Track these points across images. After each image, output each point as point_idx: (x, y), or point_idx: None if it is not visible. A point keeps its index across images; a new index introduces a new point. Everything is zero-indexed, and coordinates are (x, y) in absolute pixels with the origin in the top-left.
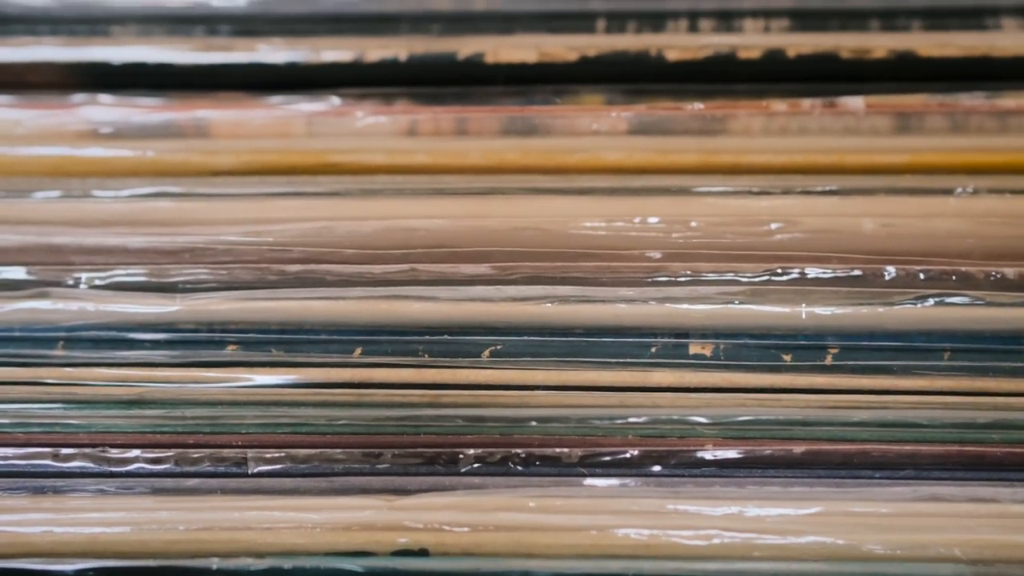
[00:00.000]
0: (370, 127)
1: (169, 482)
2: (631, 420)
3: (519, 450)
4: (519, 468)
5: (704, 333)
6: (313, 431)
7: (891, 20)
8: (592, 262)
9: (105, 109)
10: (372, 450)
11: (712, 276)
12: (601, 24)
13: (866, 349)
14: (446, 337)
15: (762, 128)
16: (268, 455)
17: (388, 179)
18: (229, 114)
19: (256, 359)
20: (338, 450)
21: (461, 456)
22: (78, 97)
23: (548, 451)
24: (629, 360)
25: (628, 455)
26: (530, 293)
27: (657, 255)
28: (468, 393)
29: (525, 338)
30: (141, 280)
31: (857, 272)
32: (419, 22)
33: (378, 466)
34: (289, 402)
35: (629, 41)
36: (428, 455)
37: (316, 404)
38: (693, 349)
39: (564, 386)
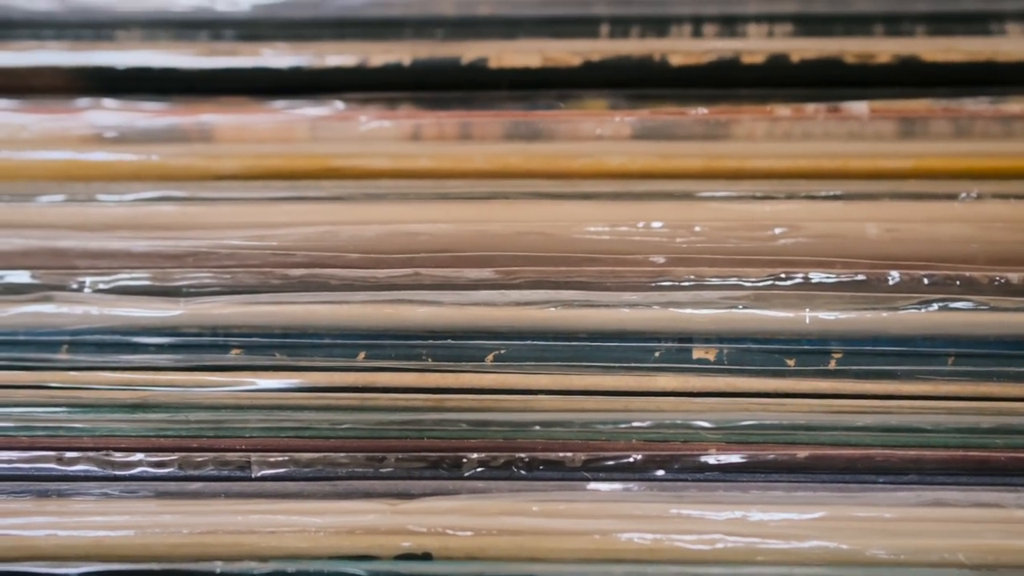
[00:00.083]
0: (374, 131)
1: (173, 486)
2: (635, 424)
3: (523, 454)
4: (522, 472)
5: (708, 338)
6: (317, 435)
7: (895, 25)
8: (596, 267)
9: (109, 113)
10: (376, 454)
11: (716, 281)
12: (605, 29)
13: (870, 354)
14: (450, 341)
15: (766, 133)
16: (272, 459)
17: (392, 183)
18: (233, 119)
19: (260, 363)
20: (342, 454)
21: (465, 460)
22: (82, 101)
23: (551, 455)
24: (633, 364)
25: (631, 459)
26: (534, 297)
27: (661, 260)
28: (472, 397)
29: (529, 342)
30: (145, 284)
31: (861, 277)
32: (423, 27)
33: (382, 470)
34: (293, 406)
35: (633, 46)
36: (432, 459)
37: (320, 408)
38: (697, 354)
39: (568, 390)
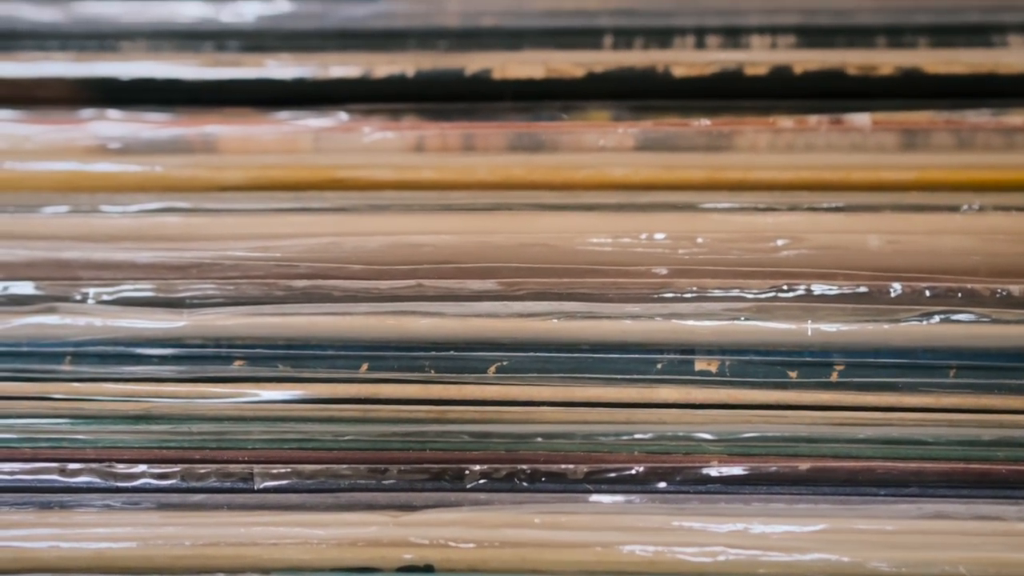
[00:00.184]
0: (377, 143)
1: (175, 497)
2: (637, 436)
3: (525, 466)
4: (525, 484)
5: (710, 349)
6: (319, 447)
7: (897, 37)
8: (598, 278)
9: (114, 124)
10: (378, 466)
11: (718, 292)
12: (608, 40)
13: (872, 366)
14: (452, 353)
15: (768, 144)
16: (274, 471)
17: (395, 195)
18: (237, 129)
19: (263, 374)
20: (344, 466)
21: (467, 472)
22: (87, 112)
23: (554, 467)
24: (635, 376)
25: (633, 471)
26: (536, 309)
27: (663, 271)
28: (474, 409)
29: (531, 354)
30: (148, 295)
31: (863, 289)
32: (427, 38)
33: (384, 482)
34: (295, 418)
35: (636, 57)
36: (434, 471)
37: (322, 420)
38: (699, 365)
39: (570, 402)
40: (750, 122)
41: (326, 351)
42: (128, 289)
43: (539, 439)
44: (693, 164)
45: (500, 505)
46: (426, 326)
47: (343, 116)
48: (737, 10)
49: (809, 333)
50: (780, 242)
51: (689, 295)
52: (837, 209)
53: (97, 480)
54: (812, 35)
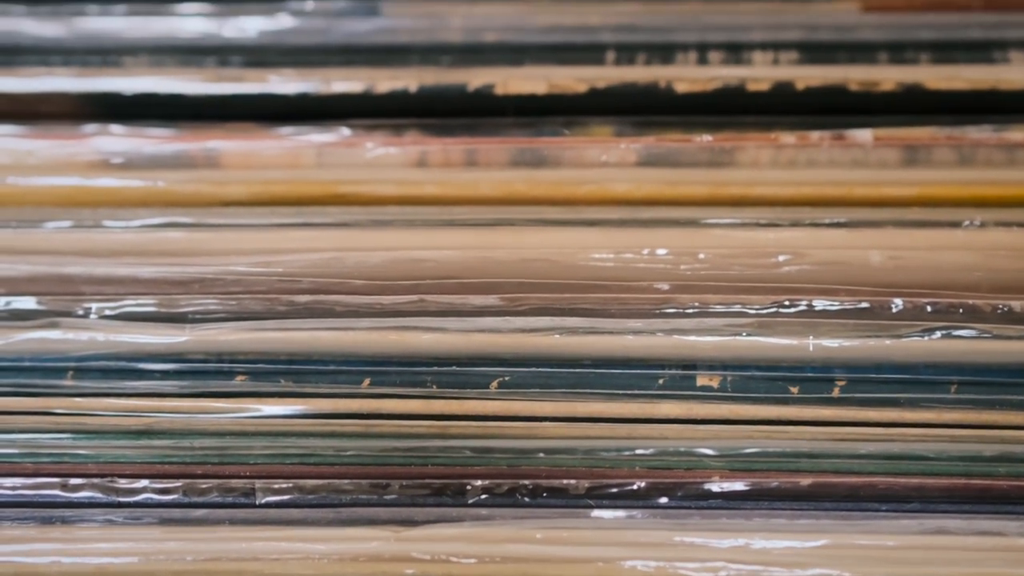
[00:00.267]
0: (380, 158)
1: (177, 512)
2: (638, 452)
3: (526, 481)
4: (526, 499)
5: (712, 365)
6: (321, 462)
7: (899, 53)
8: (600, 293)
9: (116, 139)
10: (380, 481)
11: (720, 308)
12: (610, 56)
13: (873, 381)
14: (454, 368)
15: (770, 160)
16: (276, 486)
17: (397, 210)
18: (240, 145)
19: (265, 390)
20: (346, 481)
21: (468, 487)
22: (90, 127)
23: (555, 482)
24: (637, 392)
25: (635, 487)
26: (538, 324)
27: (665, 287)
28: (476, 424)
29: (533, 369)
30: (151, 310)
31: (864, 304)
32: (429, 53)
33: (385, 497)
34: (297, 433)
35: (638, 73)
36: (435, 486)
37: (324, 435)
38: (701, 381)
39: (572, 417)
40: (752, 138)
41: (328, 366)
42: (130, 304)
43: (541, 454)
44: (695, 180)
45: (502, 520)
46: (428, 341)
47: (346, 131)
48: (739, 26)
49: (811, 349)
50: (782, 257)
51: (691, 310)
52: (839, 225)
53: (99, 495)
54: (814, 51)
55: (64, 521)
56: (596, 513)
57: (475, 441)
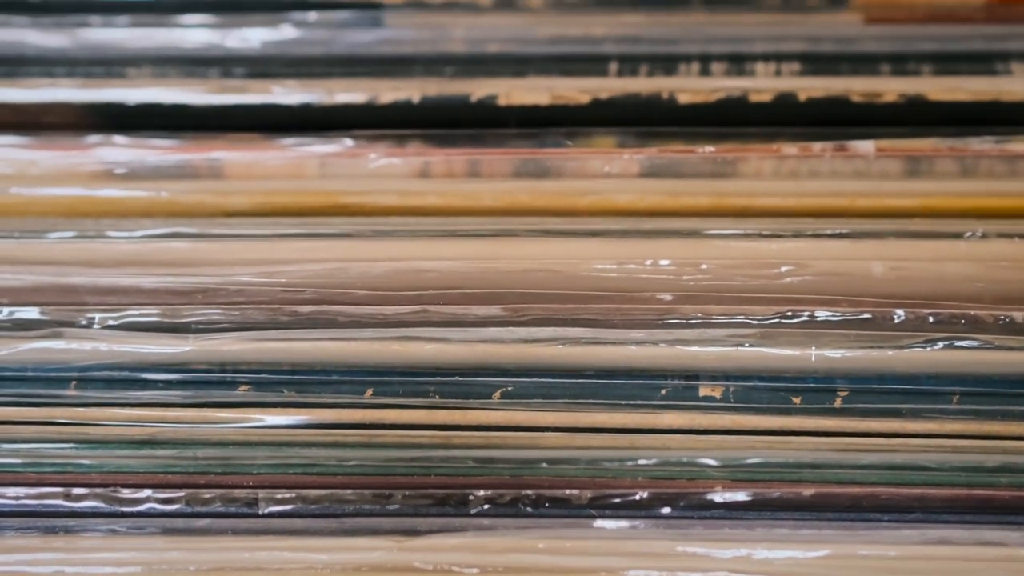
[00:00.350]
0: (383, 168)
1: (180, 522)
2: (641, 462)
3: (529, 491)
4: (529, 509)
5: (714, 375)
6: (324, 472)
7: (901, 64)
8: (603, 304)
9: (120, 150)
10: (382, 491)
11: (722, 318)
12: (613, 67)
13: (875, 392)
14: (457, 378)
15: (773, 171)
16: (279, 495)
17: (400, 220)
18: (243, 155)
19: (268, 400)
20: (348, 491)
21: (471, 497)
22: (93, 138)
23: (558, 492)
24: (639, 402)
25: (637, 497)
26: (541, 335)
27: (668, 297)
28: (478, 434)
29: (536, 379)
30: (154, 320)
31: (867, 315)
32: (432, 64)
33: (388, 507)
34: (300, 443)
35: (641, 84)
36: (438, 496)
37: (327, 445)
38: (703, 391)
39: (574, 428)
40: (755, 149)
41: (331, 376)
42: (134, 314)
43: (543, 464)
44: (698, 190)
45: (504, 530)
46: (431, 351)
47: (349, 142)
48: (742, 37)
49: (813, 359)
50: (784, 268)
51: (693, 321)
52: (841, 236)
53: (102, 505)
54: (816, 62)
55: (67, 531)
56: (599, 523)
57: (478, 451)
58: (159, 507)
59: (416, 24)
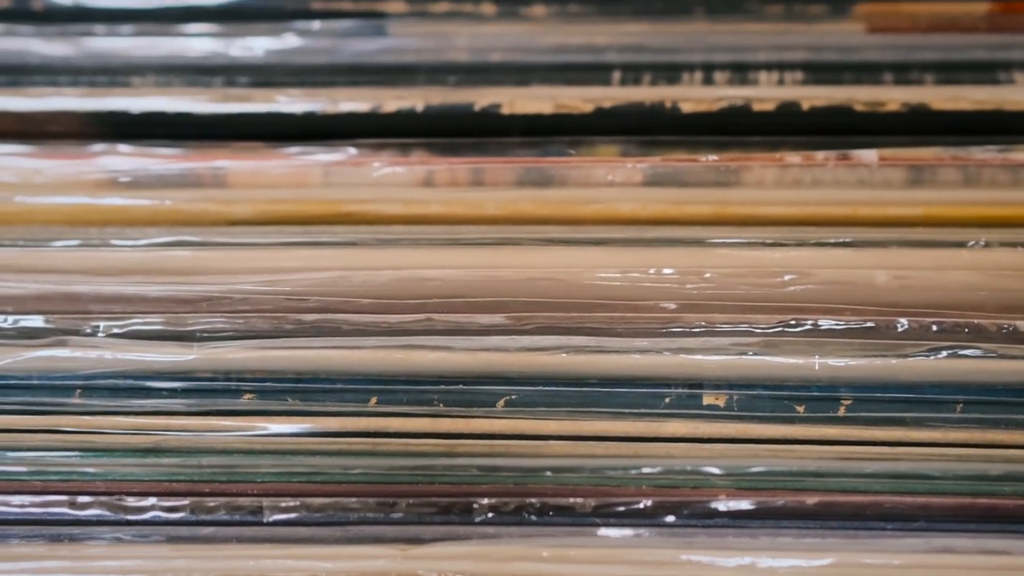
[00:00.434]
0: (386, 177)
1: (185, 530)
2: (645, 470)
3: (533, 500)
4: (533, 518)
5: (718, 384)
6: (328, 480)
7: (904, 73)
8: (606, 312)
9: (124, 159)
10: (387, 499)
11: (726, 327)
12: (616, 76)
13: (879, 401)
14: (461, 387)
15: (776, 180)
16: (283, 504)
17: (404, 229)
18: (247, 164)
19: (272, 408)
20: (353, 499)
21: (475, 506)
22: (97, 147)
23: (562, 501)
24: (643, 410)
25: (642, 505)
26: (544, 343)
27: (671, 306)
28: (483, 443)
29: (539, 388)
30: (158, 329)
31: (870, 324)
32: (436, 73)
33: (392, 515)
34: (304, 451)
35: (644, 93)
36: (442, 504)
37: (331, 453)
38: (707, 400)
39: (578, 436)
40: (758, 158)
41: (335, 385)
42: (138, 322)
43: (547, 473)
44: (701, 199)
45: (508, 539)
46: (435, 360)
47: (352, 151)
48: (745, 47)
49: (816, 368)
50: (787, 277)
51: (697, 329)
52: (844, 244)
53: (107, 513)
54: (819, 71)
55: (72, 539)
56: (603, 531)
57: (482, 459)
58: (164, 515)
59: (420, 33)
